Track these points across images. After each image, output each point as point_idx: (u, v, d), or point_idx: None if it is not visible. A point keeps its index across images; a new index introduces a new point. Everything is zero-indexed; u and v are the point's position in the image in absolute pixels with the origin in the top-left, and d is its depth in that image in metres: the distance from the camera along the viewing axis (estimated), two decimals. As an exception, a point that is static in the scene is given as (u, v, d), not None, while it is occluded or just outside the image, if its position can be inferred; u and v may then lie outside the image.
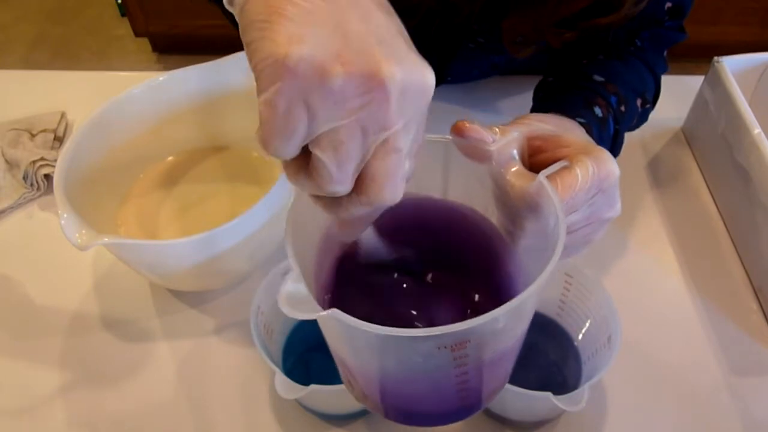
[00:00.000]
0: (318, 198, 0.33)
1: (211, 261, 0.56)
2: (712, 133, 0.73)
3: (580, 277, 0.55)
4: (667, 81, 0.78)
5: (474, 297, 0.31)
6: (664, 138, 0.81)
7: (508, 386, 0.48)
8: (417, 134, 0.31)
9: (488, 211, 0.40)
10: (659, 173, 0.76)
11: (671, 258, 0.69)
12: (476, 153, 0.37)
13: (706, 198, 0.74)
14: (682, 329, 0.63)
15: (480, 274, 0.40)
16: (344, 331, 0.33)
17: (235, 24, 0.31)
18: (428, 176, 0.32)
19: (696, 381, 0.59)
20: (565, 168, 0.37)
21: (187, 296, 0.65)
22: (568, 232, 0.39)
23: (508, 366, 0.39)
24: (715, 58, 0.72)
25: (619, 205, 0.41)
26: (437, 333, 0.29)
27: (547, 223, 0.35)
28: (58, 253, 0.67)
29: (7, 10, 2.36)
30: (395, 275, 0.40)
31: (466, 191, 0.41)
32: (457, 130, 0.37)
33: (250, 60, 0.29)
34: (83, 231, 0.52)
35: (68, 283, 0.66)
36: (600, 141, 0.53)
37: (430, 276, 0.41)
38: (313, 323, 0.42)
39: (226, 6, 0.33)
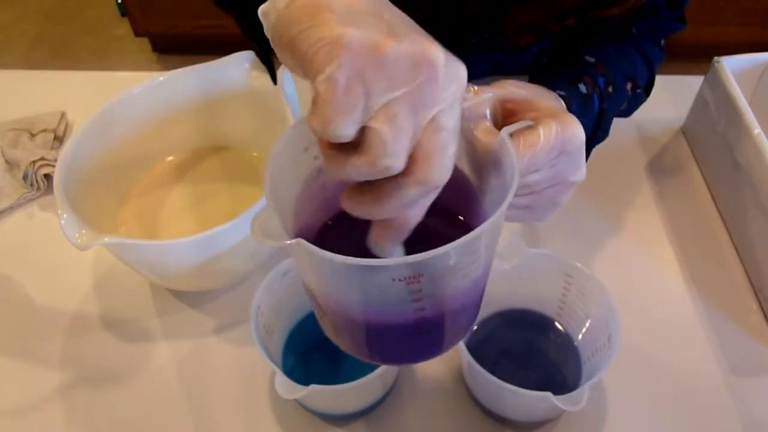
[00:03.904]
0: (358, 191, 0.32)
1: (211, 261, 0.56)
2: (712, 133, 0.73)
3: (580, 277, 0.55)
4: (667, 81, 0.78)
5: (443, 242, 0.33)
6: (664, 138, 0.81)
7: (508, 386, 0.48)
8: (458, 119, 0.32)
9: (461, 166, 0.42)
10: (659, 173, 0.76)
11: (671, 258, 0.69)
12: None
13: (706, 198, 0.74)
14: (682, 329, 0.63)
15: (451, 224, 0.42)
16: (309, 261, 0.35)
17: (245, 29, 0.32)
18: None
19: (696, 381, 0.59)
20: (529, 127, 0.40)
21: (187, 296, 0.65)
22: (533, 192, 0.42)
23: (468, 311, 0.41)
24: (715, 58, 0.72)
25: (584, 170, 0.43)
26: (388, 264, 0.31)
27: (507, 177, 0.37)
28: (58, 253, 0.67)
29: (7, 10, 2.36)
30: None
31: None
32: None
33: (298, 48, 0.30)
34: (83, 231, 0.52)
35: (68, 283, 0.66)
36: (582, 116, 0.54)
37: None
38: (313, 323, 0.43)
39: (261, 16, 0.34)
